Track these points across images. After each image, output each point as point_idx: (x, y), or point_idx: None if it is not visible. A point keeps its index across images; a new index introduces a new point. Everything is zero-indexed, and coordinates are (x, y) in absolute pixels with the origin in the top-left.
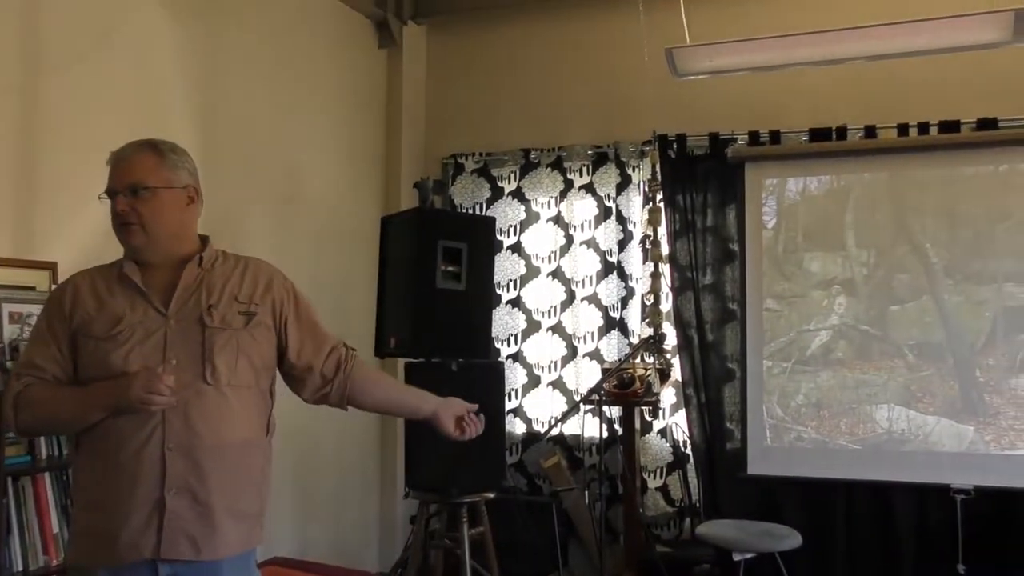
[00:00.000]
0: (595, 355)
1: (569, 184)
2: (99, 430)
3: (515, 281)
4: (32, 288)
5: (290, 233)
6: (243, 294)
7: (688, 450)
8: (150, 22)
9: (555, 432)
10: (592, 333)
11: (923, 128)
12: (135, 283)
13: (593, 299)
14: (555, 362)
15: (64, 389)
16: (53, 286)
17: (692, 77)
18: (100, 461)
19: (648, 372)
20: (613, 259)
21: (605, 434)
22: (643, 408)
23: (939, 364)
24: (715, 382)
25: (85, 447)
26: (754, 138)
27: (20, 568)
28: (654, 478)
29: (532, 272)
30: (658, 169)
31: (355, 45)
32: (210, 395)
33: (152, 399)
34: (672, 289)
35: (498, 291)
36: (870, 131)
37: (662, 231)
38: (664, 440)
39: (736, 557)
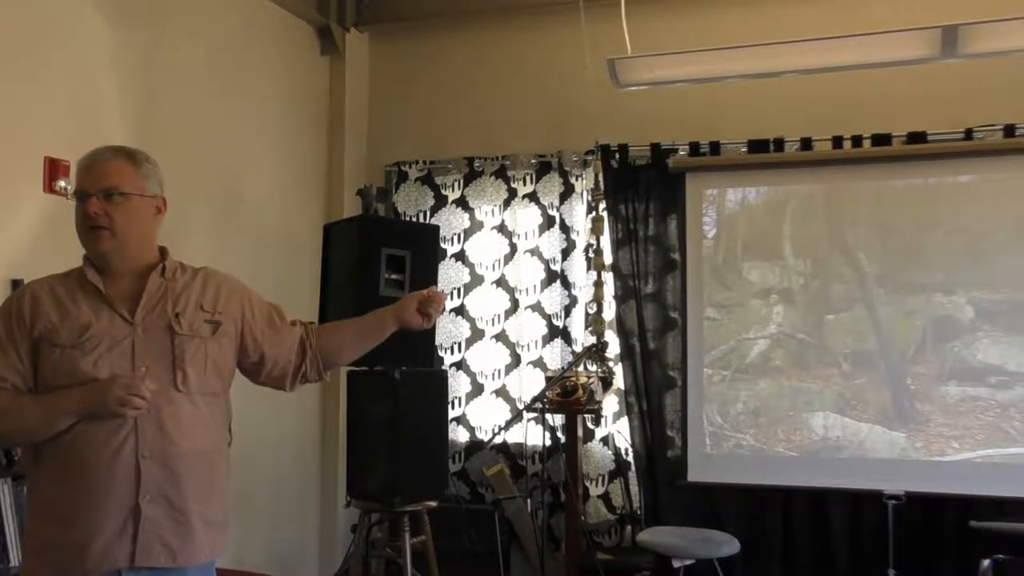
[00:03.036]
0: (538, 363)
1: (513, 193)
2: (65, 440)
3: (459, 289)
4: None
5: (231, 240)
6: (207, 303)
7: (630, 458)
8: (86, 24)
9: (498, 440)
10: (536, 341)
11: (856, 141)
12: (99, 290)
13: (537, 307)
14: (499, 370)
15: (26, 397)
16: None
17: (634, 88)
18: (67, 472)
19: (591, 380)
20: (556, 268)
21: (548, 442)
22: (585, 416)
23: (872, 372)
24: (657, 390)
25: (48, 458)
26: (694, 149)
27: None
28: (596, 486)
29: (476, 280)
30: (601, 179)
31: (297, 52)
32: (181, 402)
33: (133, 402)
34: (615, 298)
35: None
36: (806, 143)
37: (605, 240)
38: (606, 448)
39: (676, 564)
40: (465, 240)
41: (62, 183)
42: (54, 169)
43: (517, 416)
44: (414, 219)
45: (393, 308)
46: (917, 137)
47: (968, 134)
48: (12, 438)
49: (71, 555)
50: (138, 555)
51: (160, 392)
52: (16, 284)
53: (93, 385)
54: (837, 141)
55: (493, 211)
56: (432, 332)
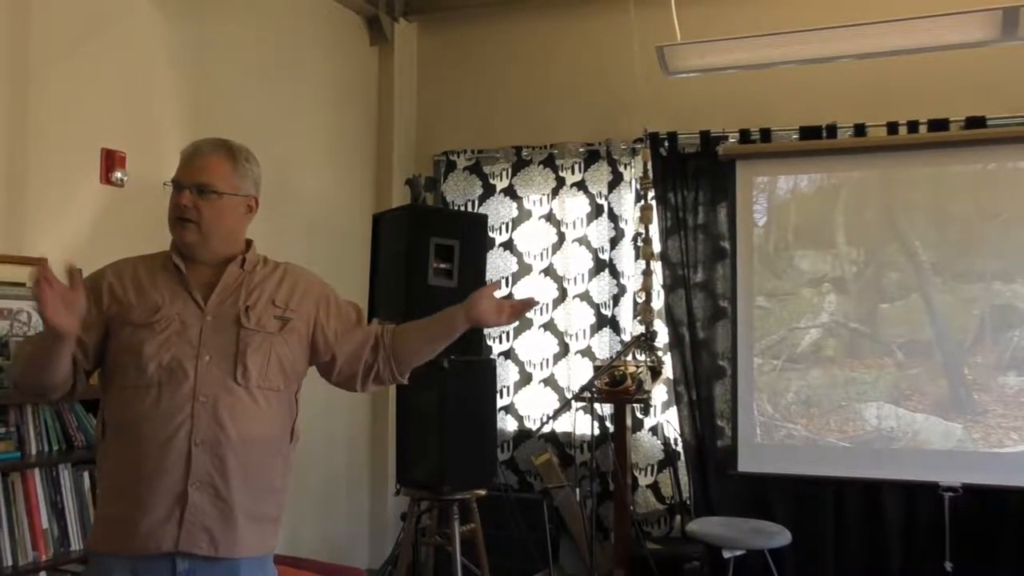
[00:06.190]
0: (587, 352)
1: (561, 182)
2: (129, 417)
3: (507, 278)
4: (22, 284)
5: (281, 230)
6: (280, 299)
7: (679, 447)
8: (140, 17)
9: (547, 429)
10: (584, 330)
11: (912, 127)
12: (181, 273)
13: (585, 297)
14: (547, 359)
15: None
16: None
17: (683, 75)
18: (127, 449)
19: (639, 370)
20: (605, 257)
21: (596, 431)
22: (634, 405)
23: (928, 362)
24: (706, 380)
25: (112, 433)
26: (745, 136)
27: (9, 564)
28: (645, 475)
29: (524, 269)
30: (649, 167)
31: (346, 42)
32: (239, 395)
33: (40, 296)
34: (663, 287)
35: None
36: (860, 129)
37: (653, 229)
38: (655, 437)
39: (726, 554)
40: (513, 229)
41: (118, 174)
42: (110, 160)
43: (566, 405)
44: (462, 208)
45: (464, 307)
46: (976, 122)
47: None
48: (33, 376)
49: (124, 531)
50: (182, 540)
51: (219, 382)
52: None
53: None
54: (892, 127)
55: (541, 200)
56: None
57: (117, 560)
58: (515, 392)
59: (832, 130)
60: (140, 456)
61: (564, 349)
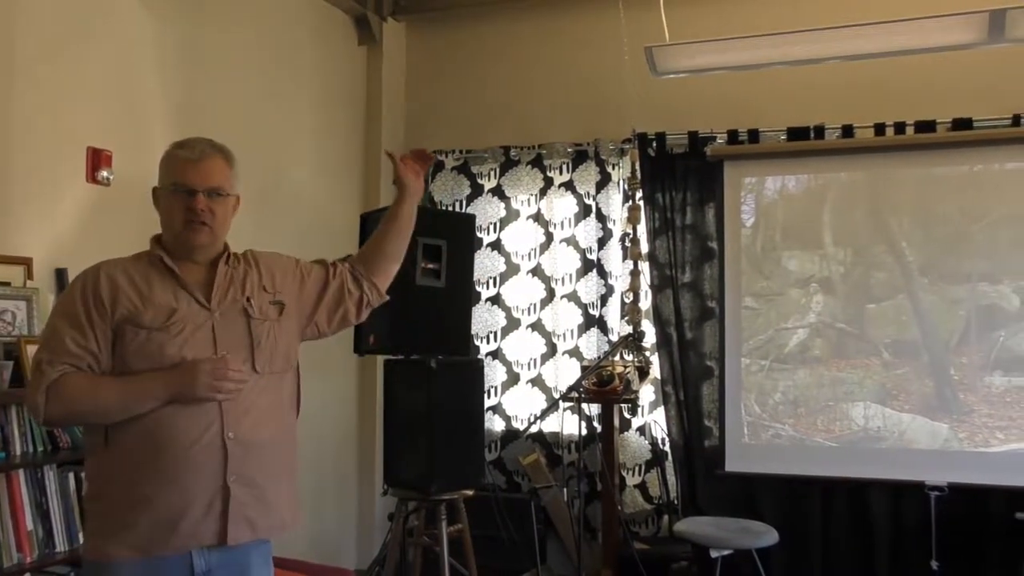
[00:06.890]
0: (574, 352)
1: (549, 182)
2: (144, 421)
3: (495, 278)
4: (7, 284)
5: (269, 229)
6: (267, 285)
7: (666, 447)
8: (128, 17)
9: (534, 429)
10: (571, 331)
11: (899, 128)
12: (175, 274)
13: (573, 297)
14: (534, 359)
15: (107, 379)
16: (28, 282)
17: (672, 76)
18: (148, 452)
19: (627, 370)
20: (593, 257)
21: (584, 431)
22: (622, 406)
23: (914, 362)
24: (694, 380)
25: (121, 440)
26: (733, 137)
27: None
28: (632, 475)
29: (512, 269)
30: (637, 167)
31: (335, 42)
32: (259, 383)
33: (222, 386)
34: (651, 287)
35: (477, 288)
36: (847, 130)
37: (641, 229)
38: (643, 437)
39: (713, 554)
40: (501, 229)
41: (104, 173)
42: (97, 159)
43: (553, 405)
44: (450, 208)
45: (397, 191)
46: (962, 123)
47: (1016, 120)
48: (81, 419)
49: (156, 534)
50: (230, 534)
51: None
52: (61, 273)
53: (179, 370)
54: (879, 128)
55: (529, 200)
56: (468, 321)
57: (133, 566)
58: (503, 392)
59: (820, 131)
60: (168, 457)
61: (552, 349)
